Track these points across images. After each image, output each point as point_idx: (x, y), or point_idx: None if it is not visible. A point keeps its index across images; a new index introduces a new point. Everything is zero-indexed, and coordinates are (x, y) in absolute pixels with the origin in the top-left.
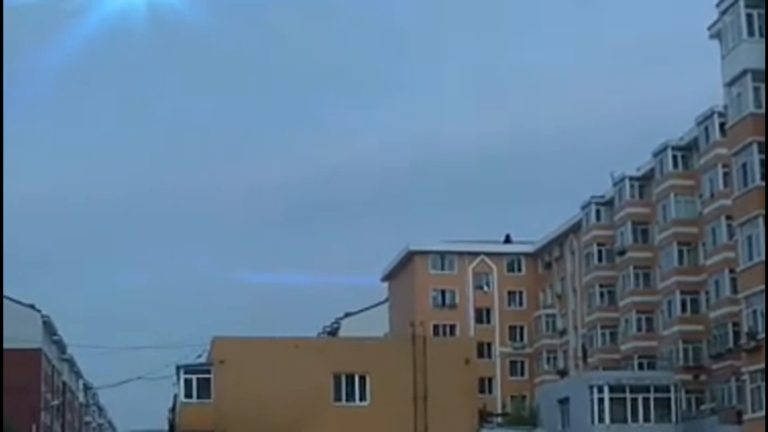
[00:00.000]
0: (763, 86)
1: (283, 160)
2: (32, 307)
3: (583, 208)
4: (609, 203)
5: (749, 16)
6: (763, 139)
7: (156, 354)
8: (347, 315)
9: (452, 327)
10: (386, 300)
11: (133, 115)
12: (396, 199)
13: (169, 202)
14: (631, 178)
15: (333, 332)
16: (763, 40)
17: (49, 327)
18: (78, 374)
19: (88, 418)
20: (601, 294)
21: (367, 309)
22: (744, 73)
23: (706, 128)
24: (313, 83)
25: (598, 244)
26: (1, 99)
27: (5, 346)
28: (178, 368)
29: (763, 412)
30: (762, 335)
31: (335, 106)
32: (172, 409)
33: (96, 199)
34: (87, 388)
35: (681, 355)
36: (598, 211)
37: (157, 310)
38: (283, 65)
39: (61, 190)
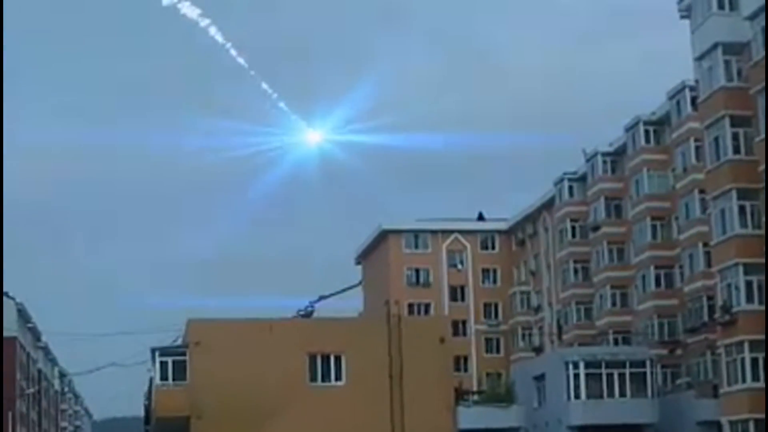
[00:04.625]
0: (734, 59)
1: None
2: (6, 294)
3: (555, 184)
4: (582, 179)
5: None
6: (734, 112)
7: (131, 340)
8: (321, 298)
9: (427, 305)
10: (360, 283)
11: None
12: (368, 178)
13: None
14: (604, 154)
15: (307, 315)
16: (734, 13)
17: (23, 314)
18: (53, 362)
19: (64, 406)
20: (575, 270)
21: (341, 291)
22: (715, 46)
23: (678, 102)
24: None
25: (572, 220)
26: (2, 96)
27: None
28: (153, 351)
29: (740, 386)
30: (736, 308)
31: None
32: (148, 395)
33: (74, 189)
34: (62, 375)
35: (656, 329)
36: (570, 187)
37: (132, 296)
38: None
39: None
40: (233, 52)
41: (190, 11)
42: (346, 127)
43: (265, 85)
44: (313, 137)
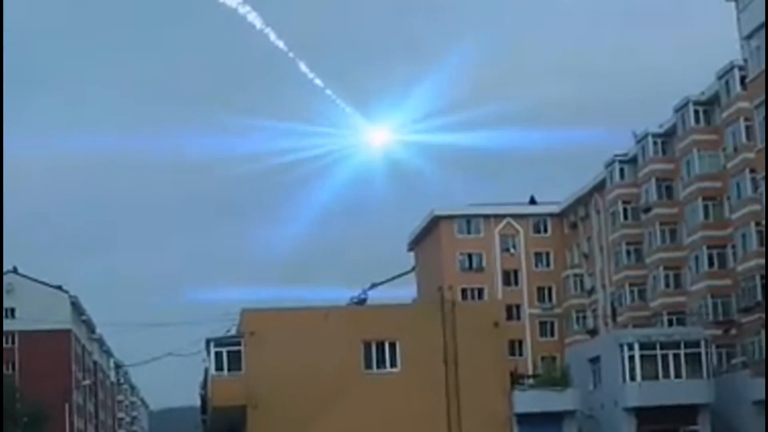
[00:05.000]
0: None
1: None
2: (60, 288)
3: (606, 166)
4: (632, 161)
5: None
6: None
7: (186, 331)
8: (374, 285)
9: (480, 290)
10: (413, 269)
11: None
12: (427, 172)
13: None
14: (654, 135)
15: (360, 303)
16: None
17: (77, 307)
18: (108, 353)
19: (120, 397)
20: (628, 252)
21: (393, 278)
22: (762, 25)
23: (727, 82)
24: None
25: (623, 202)
26: (2, 97)
27: (34, 327)
28: (207, 341)
29: None
30: None
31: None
32: (204, 385)
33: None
34: (117, 366)
35: (710, 309)
36: (621, 169)
37: (188, 289)
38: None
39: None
40: (303, 63)
41: (253, 16)
42: (409, 127)
43: (326, 87)
44: (377, 136)
